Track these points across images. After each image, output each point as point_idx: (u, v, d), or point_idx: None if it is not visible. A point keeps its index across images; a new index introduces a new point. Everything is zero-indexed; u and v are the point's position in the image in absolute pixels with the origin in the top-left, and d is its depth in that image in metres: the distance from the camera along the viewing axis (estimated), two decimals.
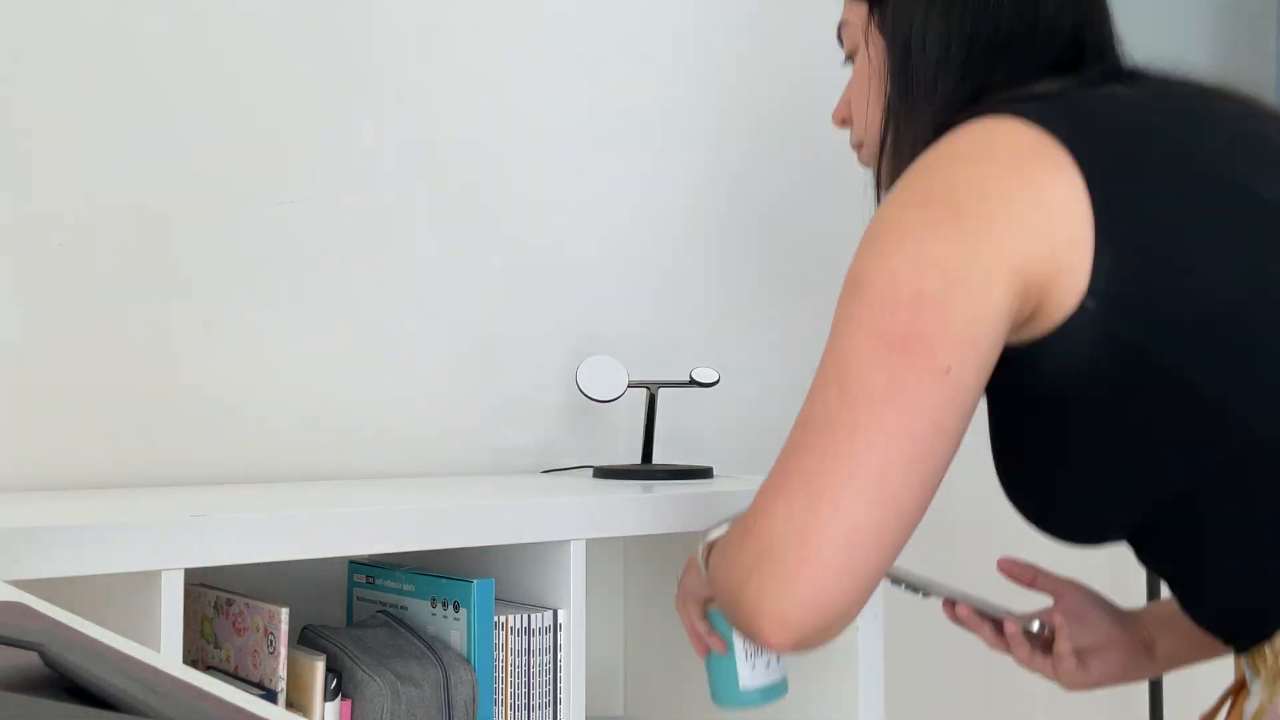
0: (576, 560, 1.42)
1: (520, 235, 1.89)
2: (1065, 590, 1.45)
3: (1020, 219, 1.05)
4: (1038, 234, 1.04)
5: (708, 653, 1.36)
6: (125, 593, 1.19)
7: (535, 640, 1.42)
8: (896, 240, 1.08)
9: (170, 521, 1.17)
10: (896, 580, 1.43)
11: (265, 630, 1.30)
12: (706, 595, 1.32)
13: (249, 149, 1.67)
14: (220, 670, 1.36)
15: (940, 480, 1.08)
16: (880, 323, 1.04)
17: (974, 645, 2.36)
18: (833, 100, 1.40)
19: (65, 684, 0.54)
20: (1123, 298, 1.04)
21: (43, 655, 0.55)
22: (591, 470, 1.80)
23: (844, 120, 1.34)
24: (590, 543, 1.45)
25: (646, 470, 1.77)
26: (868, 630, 1.60)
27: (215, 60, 1.65)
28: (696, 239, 2.06)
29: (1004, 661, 2.42)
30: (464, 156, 1.84)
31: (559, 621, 1.43)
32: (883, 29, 1.25)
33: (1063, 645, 1.39)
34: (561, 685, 1.43)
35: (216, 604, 1.38)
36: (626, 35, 2.01)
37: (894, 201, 1.12)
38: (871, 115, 1.27)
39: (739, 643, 1.33)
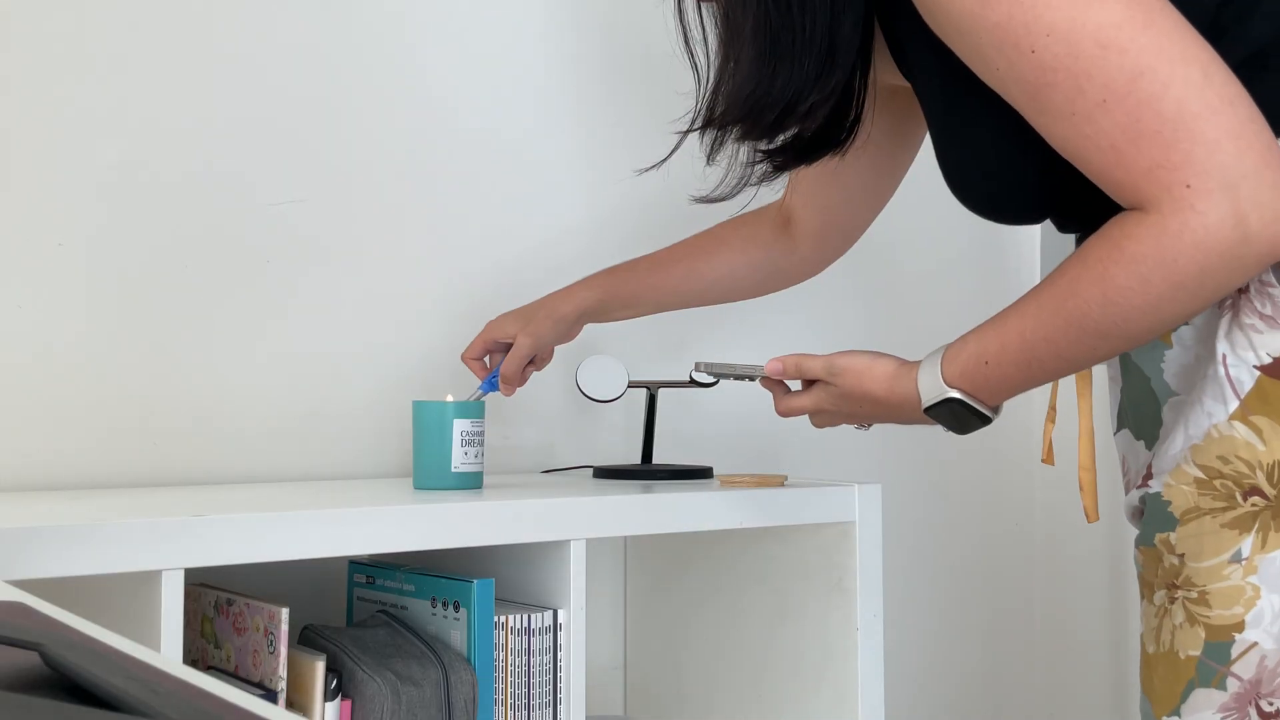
0: (576, 560, 1.42)
1: (519, 234, 1.89)
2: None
3: None
4: None
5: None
6: (125, 593, 1.19)
7: (535, 640, 1.42)
8: None
9: (170, 521, 1.17)
10: (715, 374, 1.38)
11: (265, 630, 1.30)
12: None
13: (248, 149, 1.67)
14: (220, 670, 1.36)
15: None
16: None
17: (973, 646, 2.37)
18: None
19: (65, 684, 0.54)
20: None
21: (43, 655, 0.55)
22: (591, 470, 1.80)
23: None
24: (590, 543, 1.44)
25: (646, 470, 1.77)
26: (867, 631, 1.59)
27: (214, 62, 1.66)
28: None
29: (1003, 662, 2.43)
30: (463, 156, 1.84)
31: (559, 621, 1.43)
32: None
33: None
34: (561, 685, 1.43)
35: (216, 604, 1.38)
36: (622, 33, 2.00)
37: None
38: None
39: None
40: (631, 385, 1.79)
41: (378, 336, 1.76)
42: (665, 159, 1.33)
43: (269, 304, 1.68)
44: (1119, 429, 1.20)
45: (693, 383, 1.82)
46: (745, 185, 1.32)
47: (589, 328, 1.94)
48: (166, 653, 1.15)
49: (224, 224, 1.65)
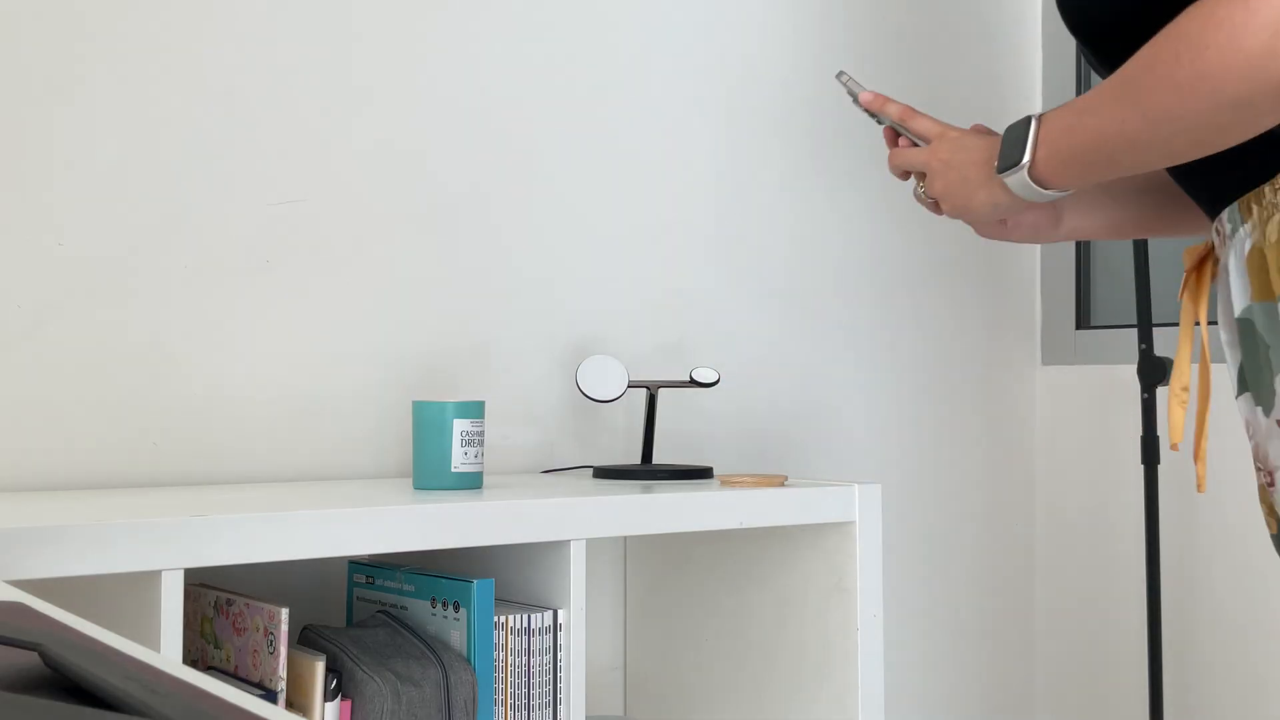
0: (576, 560, 1.42)
1: (520, 235, 1.89)
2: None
3: None
4: None
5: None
6: (125, 593, 1.19)
7: (535, 640, 1.42)
8: None
9: (170, 521, 1.17)
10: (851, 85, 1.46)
11: (265, 630, 1.30)
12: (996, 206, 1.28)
13: (248, 150, 1.67)
14: (220, 670, 1.36)
15: None
16: None
17: (973, 646, 2.37)
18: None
19: (65, 684, 0.54)
20: None
21: (43, 655, 0.55)
22: (591, 470, 1.80)
23: None
24: (590, 543, 1.44)
25: (646, 470, 1.77)
26: (867, 630, 1.60)
27: (214, 63, 1.66)
28: (697, 240, 2.05)
29: (1003, 662, 2.43)
30: (463, 157, 1.84)
31: (559, 621, 1.43)
32: None
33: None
34: (561, 685, 1.43)
35: (216, 604, 1.38)
36: (625, 37, 2.00)
37: None
38: None
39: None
40: (631, 385, 1.79)
41: (378, 336, 1.76)
42: None
43: (269, 304, 1.68)
44: (1239, 393, 1.19)
45: (693, 383, 1.82)
46: None
47: (589, 327, 1.95)
48: (166, 653, 1.15)
49: (224, 224, 1.65)
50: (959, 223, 1.55)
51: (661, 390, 1.84)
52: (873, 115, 1.42)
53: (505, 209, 1.88)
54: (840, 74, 1.46)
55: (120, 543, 1.14)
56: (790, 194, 2.14)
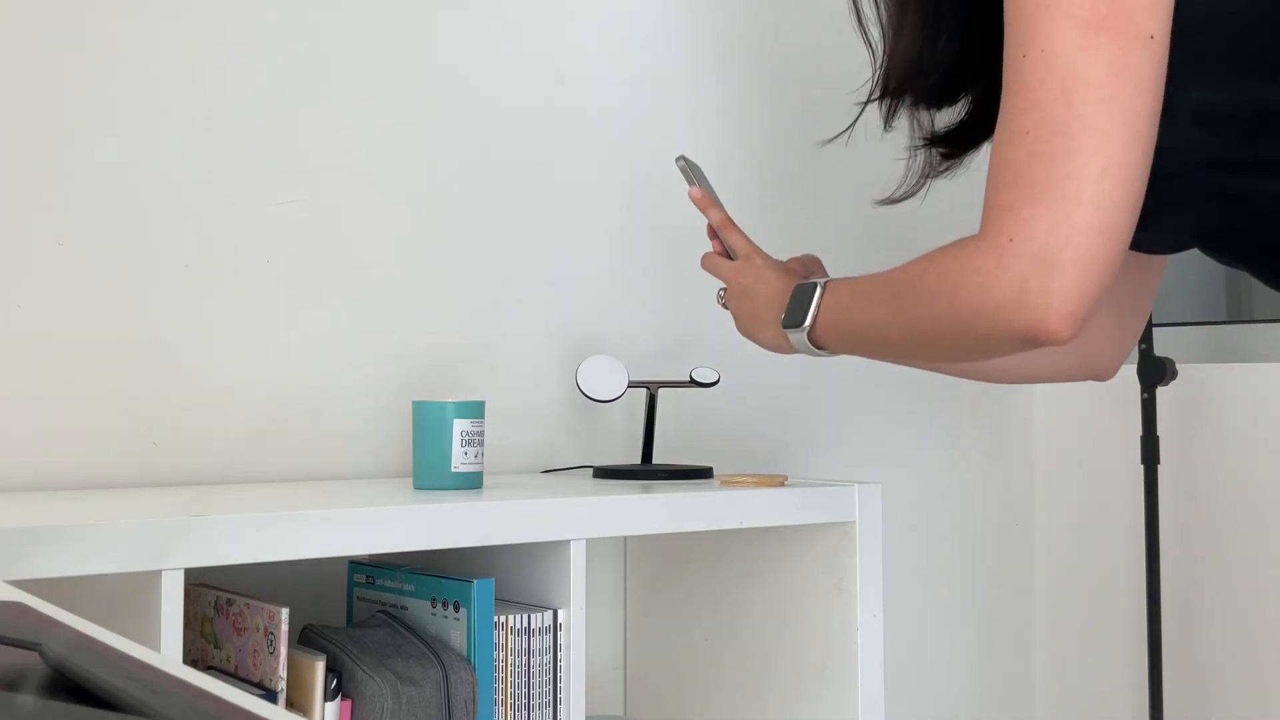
0: (576, 560, 1.42)
1: (519, 235, 1.89)
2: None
3: None
4: None
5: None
6: (125, 593, 1.19)
7: (535, 640, 1.42)
8: None
9: (170, 521, 1.17)
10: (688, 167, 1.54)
11: (265, 630, 1.30)
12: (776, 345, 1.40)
13: (248, 149, 1.67)
14: (220, 670, 1.36)
15: None
16: (1080, 12, 1.04)
17: (973, 646, 2.37)
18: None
19: (65, 684, 0.54)
20: None
21: (43, 655, 0.55)
22: (591, 470, 1.80)
23: None
24: (590, 543, 1.45)
25: (646, 470, 1.77)
26: (867, 630, 1.60)
27: (214, 62, 1.66)
28: (697, 239, 2.05)
29: (1003, 662, 2.43)
30: (462, 156, 1.84)
31: (559, 621, 1.43)
32: None
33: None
34: (561, 685, 1.43)
35: (216, 604, 1.38)
36: (624, 34, 2.00)
37: None
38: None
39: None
40: (631, 385, 1.79)
41: (378, 336, 1.76)
42: (848, 129, 1.38)
43: (269, 304, 1.68)
44: None
45: (693, 383, 1.82)
46: (926, 178, 1.35)
47: (589, 327, 1.94)
48: (166, 653, 1.15)
49: (224, 224, 1.65)
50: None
51: (661, 390, 1.84)
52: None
53: (505, 208, 1.88)
54: (679, 159, 1.54)
55: (120, 543, 1.14)
56: (791, 194, 2.14)
